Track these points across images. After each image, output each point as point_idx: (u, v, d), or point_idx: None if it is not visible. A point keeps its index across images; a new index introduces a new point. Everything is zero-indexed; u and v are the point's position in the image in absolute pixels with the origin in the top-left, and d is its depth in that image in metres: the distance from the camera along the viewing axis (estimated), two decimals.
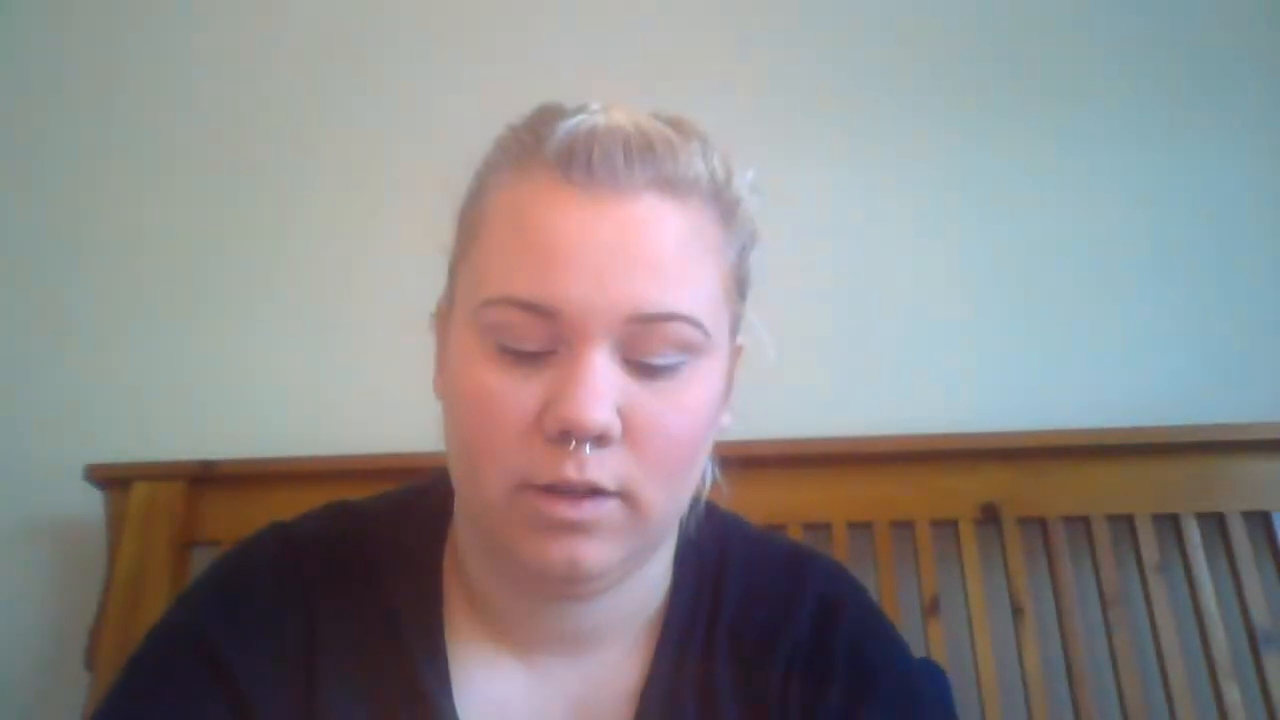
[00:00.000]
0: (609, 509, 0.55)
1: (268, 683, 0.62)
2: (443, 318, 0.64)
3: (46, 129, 1.65)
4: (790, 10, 1.61)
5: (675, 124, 0.60)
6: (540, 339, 0.55)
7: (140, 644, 0.65)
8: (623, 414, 0.55)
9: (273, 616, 0.64)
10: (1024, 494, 1.27)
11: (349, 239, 1.55)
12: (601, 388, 0.53)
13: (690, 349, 0.56)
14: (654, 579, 0.66)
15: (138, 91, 1.66)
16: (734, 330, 0.63)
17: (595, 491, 0.55)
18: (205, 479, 1.34)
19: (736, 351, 0.65)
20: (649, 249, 0.55)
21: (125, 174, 1.62)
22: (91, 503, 1.37)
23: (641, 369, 0.56)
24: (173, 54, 1.68)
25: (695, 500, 0.66)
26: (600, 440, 0.54)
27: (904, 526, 1.28)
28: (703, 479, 0.66)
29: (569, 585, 0.59)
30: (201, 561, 1.30)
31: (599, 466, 0.54)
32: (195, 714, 0.60)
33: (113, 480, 1.35)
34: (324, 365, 1.49)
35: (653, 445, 0.55)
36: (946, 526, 1.28)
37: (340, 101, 1.63)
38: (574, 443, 0.53)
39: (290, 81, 1.64)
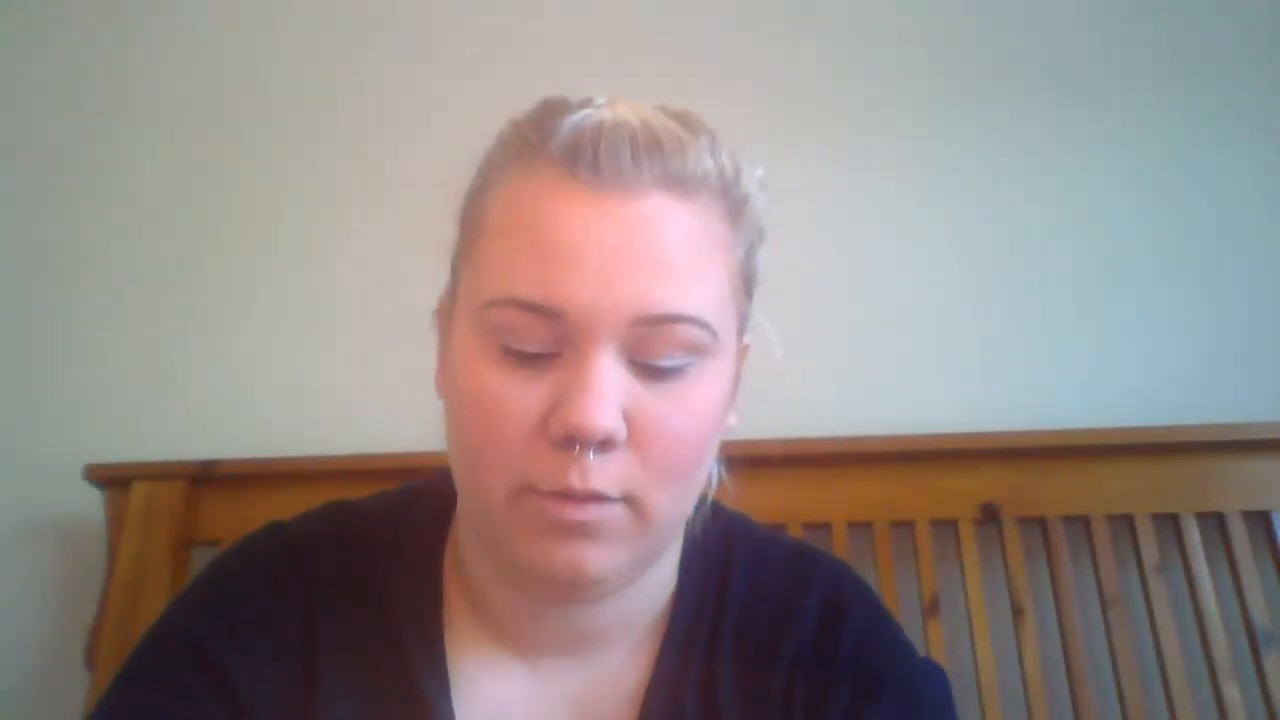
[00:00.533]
0: (614, 513, 0.54)
1: (265, 685, 0.61)
2: (445, 315, 0.63)
3: (45, 128, 1.65)
4: (795, 7, 1.61)
5: (682, 119, 0.59)
6: (545, 340, 0.54)
7: (137, 646, 0.64)
8: (628, 417, 0.54)
9: (270, 618, 0.63)
10: (1024, 494, 1.27)
11: (349, 238, 1.55)
12: (608, 392, 0.52)
13: (698, 350, 0.55)
14: (659, 581, 0.66)
15: (136, 90, 1.66)
16: (741, 330, 0.62)
17: (599, 497, 0.54)
18: (205, 479, 1.34)
19: (743, 351, 0.64)
20: (656, 249, 0.54)
21: (124, 174, 1.62)
22: (91, 503, 1.37)
23: (648, 371, 0.54)
24: (171, 53, 1.68)
25: (702, 501, 0.66)
26: (605, 445, 0.53)
27: (904, 526, 1.28)
28: (709, 480, 0.65)
29: (573, 591, 0.59)
30: (201, 561, 1.30)
31: (603, 473, 0.53)
32: (192, 717, 0.60)
33: (113, 480, 1.35)
34: (324, 365, 1.49)
35: (658, 449, 0.54)
36: (946, 526, 1.28)
37: (340, 100, 1.62)
38: (579, 447, 0.52)
39: (290, 81, 1.64)
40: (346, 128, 1.61)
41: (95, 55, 1.68)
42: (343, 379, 1.48)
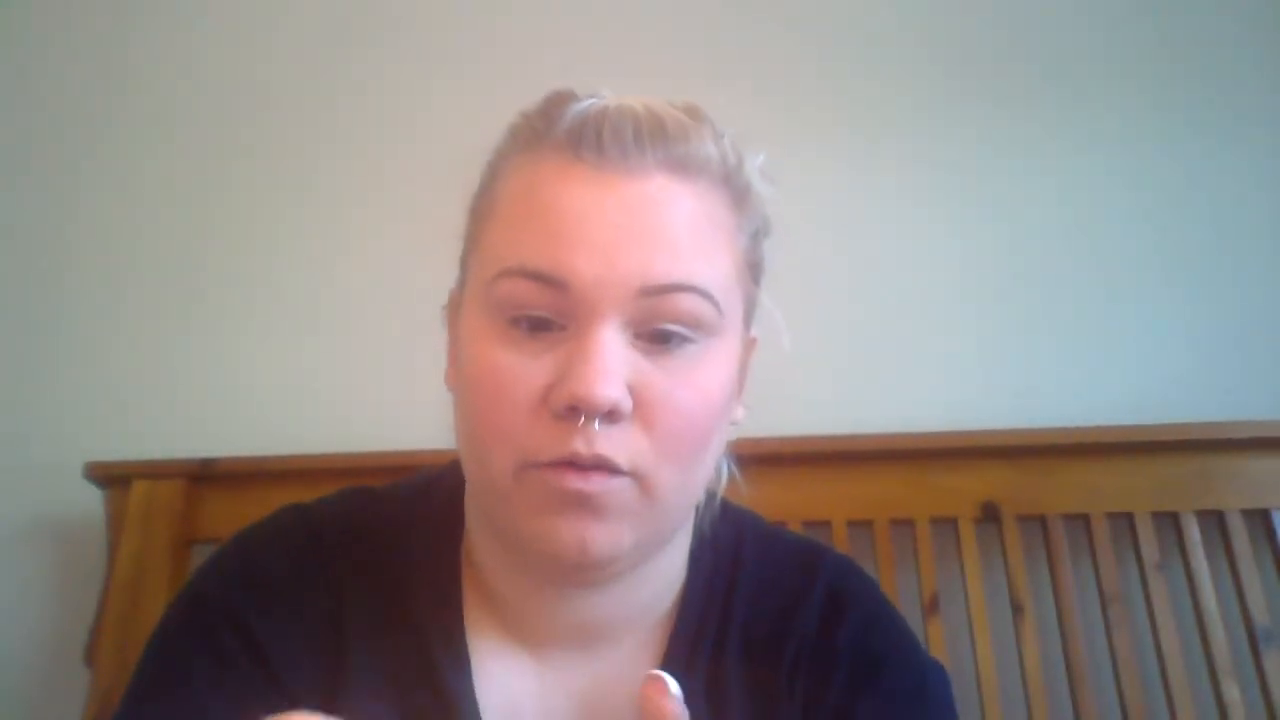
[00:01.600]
0: (619, 486, 0.54)
1: (297, 657, 0.61)
2: (454, 307, 0.64)
3: (44, 128, 1.65)
4: (795, 7, 1.61)
5: (686, 109, 0.60)
6: (550, 312, 0.54)
7: (167, 613, 0.65)
8: (633, 391, 0.54)
9: (299, 594, 0.63)
10: (1024, 492, 1.28)
11: (349, 237, 1.55)
12: (611, 363, 0.53)
13: (702, 326, 0.56)
14: (668, 574, 0.65)
15: (136, 90, 1.66)
16: (748, 318, 0.62)
17: (605, 467, 0.54)
18: (205, 477, 1.34)
19: (750, 343, 0.64)
20: (660, 226, 0.55)
21: (123, 173, 1.62)
22: (91, 501, 1.37)
23: (653, 347, 0.55)
24: (170, 52, 1.68)
25: (711, 497, 0.66)
26: (610, 416, 0.53)
27: (904, 524, 1.28)
28: (719, 475, 0.66)
29: (580, 570, 0.58)
30: (201, 560, 1.30)
31: (609, 441, 0.53)
32: (230, 677, 0.60)
33: (112, 478, 1.35)
34: (324, 365, 1.49)
35: (664, 423, 0.55)
36: (946, 524, 1.28)
37: (340, 100, 1.63)
38: (583, 419, 0.53)
39: (290, 81, 1.64)
40: (346, 128, 1.61)
41: (95, 55, 1.68)
42: (342, 378, 1.48)
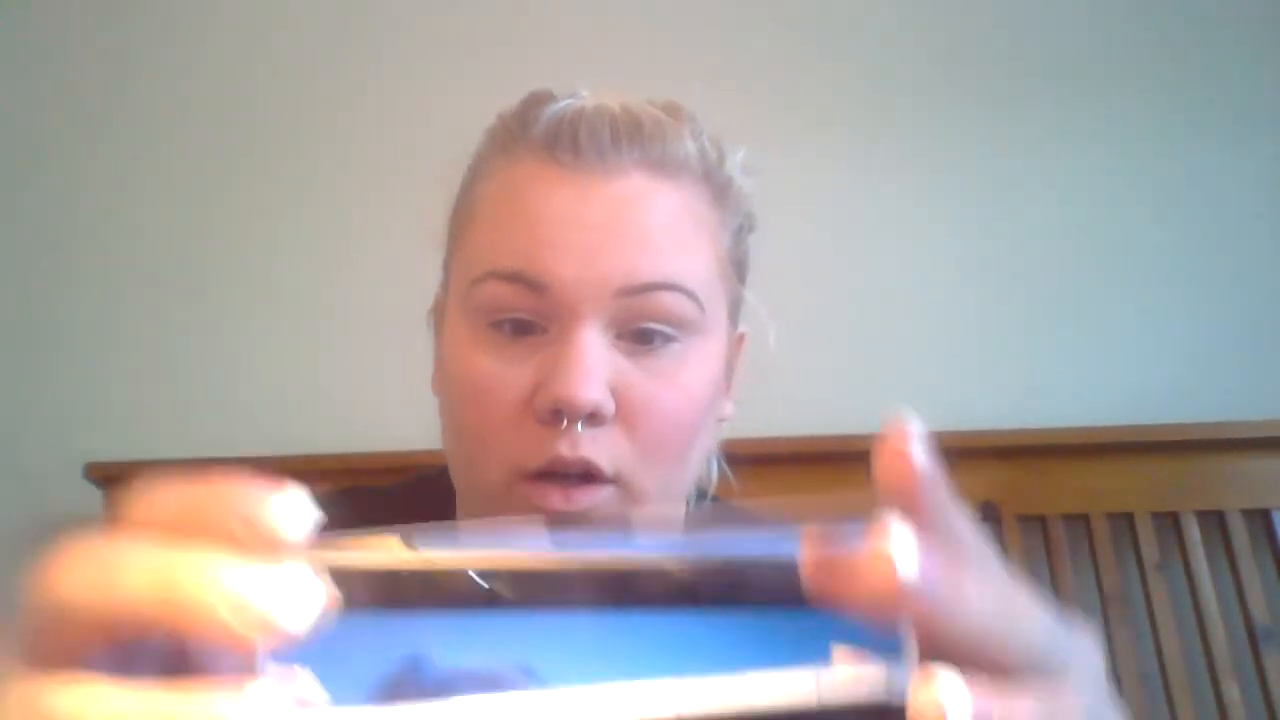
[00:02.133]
0: (603, 497, 0.54)
1: None
2: (439, 313, 0.63)
3: (44, 128, 1.65)
4: (797, 7, 1.61)
5: (666, 107, 0.59)
6: (531, 315, 0.54)
7: None
8: (615, 393, 0.53)
9: None
10: (1024, 492, 1.28)
11: (348, 237, 1.56)
12: (592, 365, 0.52)
13: (684, 325, 0.55)
14: None
15: (136, 90, 1.66)
16: (734, 315, 0.62)
17: (589, 476, 0.53)
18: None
19: (738, 340, 0.64)
20: (639, 226, 0.54)
21: (123, 173, 1.62)
22: (91, 501, 1.37)
23: (636, 347, 0.54)
24: (170, 53, 1.68)
25: (701, 497, 0.66)
26: (593, 419, 0.52)
27: None
28: (709, 476, 0.65)
29: None
30: None
31: (592, 444, 0.53)
32: None
33: (112, 478, 1.35)
34: (323, 364, 1.49)
35: (647, 426, 0.54)
36: None
37: (340, 99, 1.63)
38: (565, 421, 0.52)
39: (290, 81, 1.64)
40: (346, 128, 1.61)
41: (95, 56, 1.68)
42: (343, 379, 1.48)
